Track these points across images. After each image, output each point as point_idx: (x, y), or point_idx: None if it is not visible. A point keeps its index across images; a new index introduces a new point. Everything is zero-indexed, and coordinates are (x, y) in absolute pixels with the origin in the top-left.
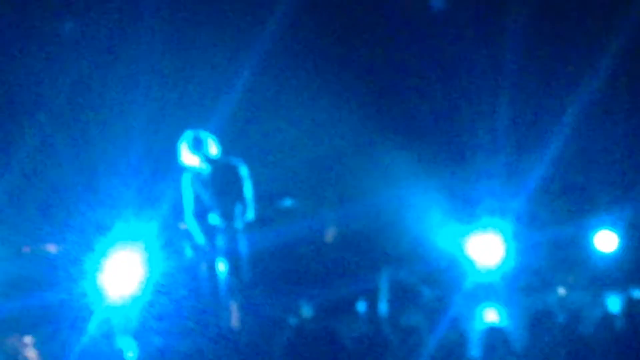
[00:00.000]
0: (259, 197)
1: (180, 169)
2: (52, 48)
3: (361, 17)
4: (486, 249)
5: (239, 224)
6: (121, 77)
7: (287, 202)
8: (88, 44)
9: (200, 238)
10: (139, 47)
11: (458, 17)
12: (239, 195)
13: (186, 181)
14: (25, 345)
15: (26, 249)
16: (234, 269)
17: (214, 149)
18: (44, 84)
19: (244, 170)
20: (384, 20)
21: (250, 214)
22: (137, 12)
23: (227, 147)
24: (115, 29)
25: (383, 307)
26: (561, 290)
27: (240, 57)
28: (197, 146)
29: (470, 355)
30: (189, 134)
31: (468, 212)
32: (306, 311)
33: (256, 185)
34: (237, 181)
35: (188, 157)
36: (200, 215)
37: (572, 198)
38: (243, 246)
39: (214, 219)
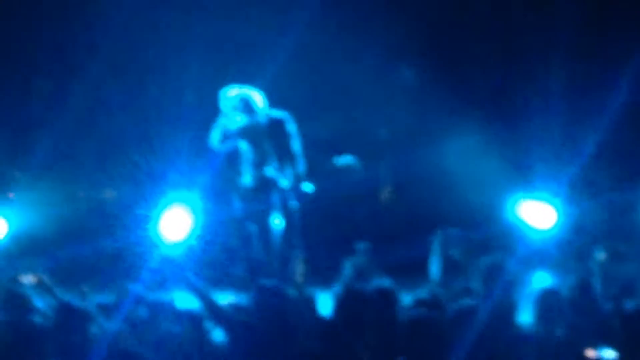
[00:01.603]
0: (313, 153)
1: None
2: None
3: None
4: (540, 214)
5: (292, 179)
6: (173, 30)
7: (342, 159)
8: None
9: (254, 190)
10: (192, 4)
11: None
12: (289, 151)
13: (238, 133)
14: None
15: (81, 195)
16: (287, 223)
17: (261, 103)
18: (99, 34)
19: (292, 125)
20: None
21: (302, 170)
22: None
23: (279, 101)
24: None
25: (435, 269)
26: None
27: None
28: (244, 102)
29: (523, 319)
30: (234, 90)
31: (522, 177)
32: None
33: (310, 140)
34: (286, 137)
35: (234, 113)
36: (254, 168)
37: (627, 164)
38: (296, 201)
39: (269, 171)
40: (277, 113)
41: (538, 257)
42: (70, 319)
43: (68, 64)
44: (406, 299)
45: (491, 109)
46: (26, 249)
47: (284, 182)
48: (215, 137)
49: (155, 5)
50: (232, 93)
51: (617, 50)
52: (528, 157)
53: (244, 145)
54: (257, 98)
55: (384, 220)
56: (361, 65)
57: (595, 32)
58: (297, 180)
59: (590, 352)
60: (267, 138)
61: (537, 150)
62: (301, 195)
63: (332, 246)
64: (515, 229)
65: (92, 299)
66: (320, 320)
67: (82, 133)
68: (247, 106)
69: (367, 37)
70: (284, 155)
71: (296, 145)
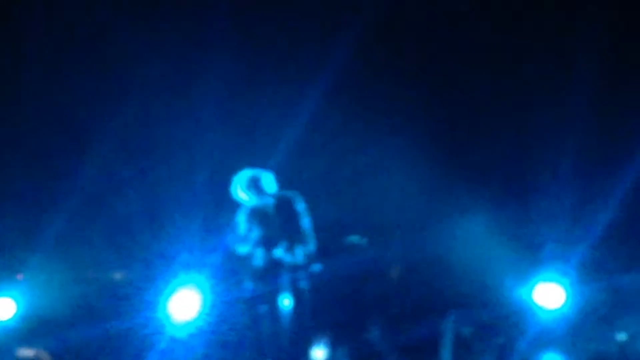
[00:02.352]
0: (323, 233)
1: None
2: (121, 80)
3: (426, 57)
4: (549, 294)
5: (302, 258)
6: (185, 112)
7: (352, 239)
8: (156, 79)
9: (264, 271)
10: (203, 85)
11: (522, 57)
12: (299, 230)
13: (243, 216)
14: None
15: (90, 276)
16: (297, 303)
17: (271, 185)
18: (111, 115)
19: (301, 204)
20: (448, 58)
21: (312, 249)
22: (199, 49)
23: (288, 182)
24: (180, 65)
25: (447, 350)
26: (623, 338)
27: (303, 92)
28: (254, 183)
29: None
30: (244, 173)
31: (532, 257)
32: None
33: (321, 220)
34: (295, 215)
35: (244, 195)
36: (264, 248)
37: (637, 244)
38: (306, 281)
39: (278, 252)
40: (287, 193)
41: (548, 337)
42: None
43: (78, 144)
44: None
45: (501, 189)
46: (34, 330)
47: (294, 262)
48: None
49: (168, 87)
50: (243, 175)
51: (630, 130)
52: (538, 237)
53: (254, 227)
54: (268, 179)
55: (394, 300)
56: (371, 147)
57: (607, 113)
58: (307, 259)
59: None
60: (277, 218)
61: (546, 231)
62: (311, 275)
63: (342, 326)
64: (526, 309)
65: None
66: None
67: (92, 213)
68: (257, 187)
69: (376, 120)
70: (294, 235)
71: (306, 224)
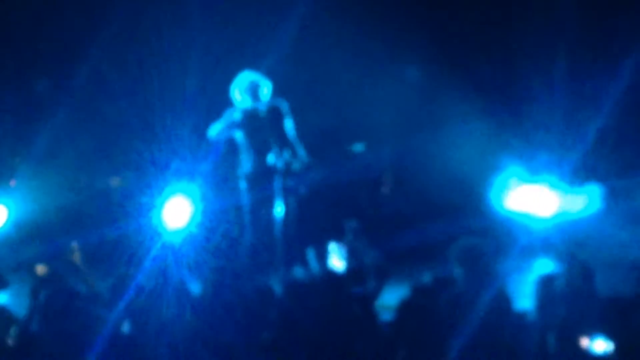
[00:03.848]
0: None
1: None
2: None
3: None
4: (542, 201)
5: (294, 165)
6: (178, 18)
7: (356, 147)
8: None
9: (256, 177)
10: None
11: None
12: (287, 137)
13: (238, 121)
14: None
15: (83, 184)
16: (290, 210)
17: (266, 91)
18: (103, 21)
19: (287, 113)
20: None
21: (303, 156)
22: None
23: (283, 89)
24: None
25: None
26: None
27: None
28: (252, 87)
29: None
30: (245, 75)
31: (524, 164)
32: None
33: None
34: (285, 122)
35: (241, 99)
36: (256, 155)
37: (629, 150)
38: (299, 188)
39: (270, 158)
40: (276, 101)
41: (541, 246)
42: (76, 305)
43: (70, 52)
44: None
45: (493, 96)
46: (28, 236)
47: (285, 168)
48: (216, 127)
49: None
50: (243, 76)
51: (620, 37)
52: (531, 144)
53: (239, 134)
54: (266, 86)
55: (384, 207)
56: (364, 56)
57: (599, 20)
58: (300, 166)
59: (584, 341)
60: (267, 124)
61: (540, 138)
62: (304, 182)
63: (332, 232)
64: (516, 217)
65: (95, 286)
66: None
67: (85, 121)
68: (254, 91)
69: (371, 30)
70: (284, 142)
71: (291, 131)
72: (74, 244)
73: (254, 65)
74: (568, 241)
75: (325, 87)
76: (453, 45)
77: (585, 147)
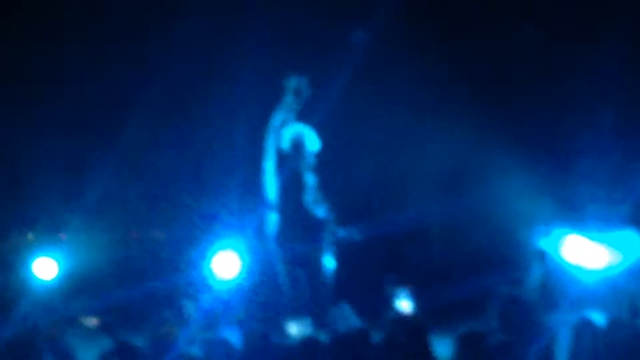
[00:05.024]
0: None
1: (283, 162)
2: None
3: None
4: (591, 253)
5: (342, 220)
6: (226, 72)
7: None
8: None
9: (305, 229)
10: (241, 45)
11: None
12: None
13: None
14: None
15: (132, 237)
16: (337, 263)
17: (313, 144)
18: (152, 75)
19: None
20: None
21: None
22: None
23: (328, 142)
24: (218, 25)
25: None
26: None
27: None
28: (296, 139)
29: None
30: (290, 129)
31: (572, 217)
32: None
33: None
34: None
35: (287, 151)
36: (304, 207)
37: None
38: (346, 241)
39: (320, 211)
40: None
41: (589, 298)
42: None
43: (120, 103)
44: None
45: (543, 148)
46: (77, 290)
47: (335, 223)
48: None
49: (208, 49)
50: (289, 129)
51: None
52: (580, 196)
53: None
54: (310, 137)
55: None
56: (413, 112)
57: None
58: (346, 221)
59: None
60: (314, 177)
61: (589, 190)
62: (351, 237)
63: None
64: (563, 268)
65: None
66: None
67: (134, 175)
68: (298, 144)
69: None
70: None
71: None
72: None
73: (303, 118)
74: (617, 293)
75: (374, 141)
76: (501, 99)
77: (635, 198)
